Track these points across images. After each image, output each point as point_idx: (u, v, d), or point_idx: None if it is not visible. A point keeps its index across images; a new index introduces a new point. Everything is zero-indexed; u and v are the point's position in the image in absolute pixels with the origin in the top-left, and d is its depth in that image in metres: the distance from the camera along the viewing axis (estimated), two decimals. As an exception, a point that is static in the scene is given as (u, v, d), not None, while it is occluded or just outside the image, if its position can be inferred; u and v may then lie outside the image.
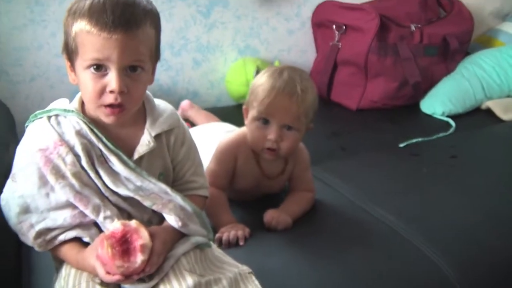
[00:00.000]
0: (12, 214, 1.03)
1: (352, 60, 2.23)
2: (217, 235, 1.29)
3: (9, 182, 1.04)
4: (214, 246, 1.15)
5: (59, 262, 1.07)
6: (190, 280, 0.99)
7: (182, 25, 2.25)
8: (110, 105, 0.99)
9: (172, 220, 1.04)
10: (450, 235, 1.34)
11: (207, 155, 1.44)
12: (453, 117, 2.16)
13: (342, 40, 2.27)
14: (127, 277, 0.96)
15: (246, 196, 1.49)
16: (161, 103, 1.13)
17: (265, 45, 2.42)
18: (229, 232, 1.29)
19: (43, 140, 1.02)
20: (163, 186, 1.05)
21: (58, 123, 1.04)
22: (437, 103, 2.21)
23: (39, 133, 1.03)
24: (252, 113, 1.37)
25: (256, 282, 1.04)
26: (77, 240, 1.04)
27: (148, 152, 1.06)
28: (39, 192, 1.01)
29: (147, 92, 1.10)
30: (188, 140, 1.14)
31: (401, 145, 1.89)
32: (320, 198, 1.49)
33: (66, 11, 1.00)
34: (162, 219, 1.08)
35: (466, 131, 2.03)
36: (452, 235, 1.34)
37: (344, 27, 2.26)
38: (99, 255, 0.96)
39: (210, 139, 1.61)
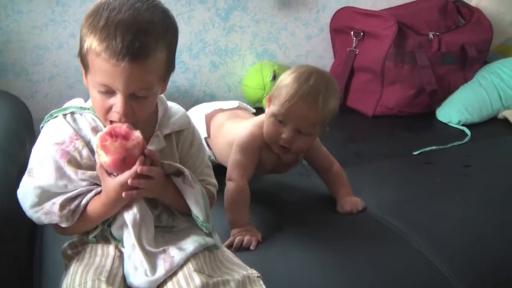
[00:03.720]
0: (29, 204, 1.03)
1: (369, 66, 2.23)
2: (230, 239, 1.31)
3: (25, 178, 1.05)
4: (224, 247, 1.16)
5: (69, 260, 1.08)
6: (198, 280, 0.99)
7: (201, 28, 2.26)
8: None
9: (177, 180, 1.07)
10: (458, 246, 1.33)
11: (199, 126, 1.51)
12: (469, 126, 2.15)
13: (360, 46, 2.27)
14: (129, 161, 0.97)
15: (259, 175, 1.54)
16: (173, 106, 1.16)
17: (283, 49, 2.43)
18: (243, 236, 1.31)
19: (59, 135, 1.04)
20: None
21: (74, 120, 1.06)
22: (453, 111, 2.20)
23: (55, 129, 1.05)
24: (272, 108, 1.40)
25: (264, 286, 1.05)
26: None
27: (158, 151, 1.07)
28: (56, 183, 1.02)
29: (161, 96, 1.12)
30: (197, 142, 1.16)
31: (415, 153, 1.88)
32: (330, 203, 1.51)
33: (84, 17, 0.99)
34: (172, 214, 1.10)
35: (482, 140, 2.02)
36: (461, 246, 1.34)
37: (362, 34, 2.26)
38: (100, 164, 0.99)
39: (193, 113, 1.67)
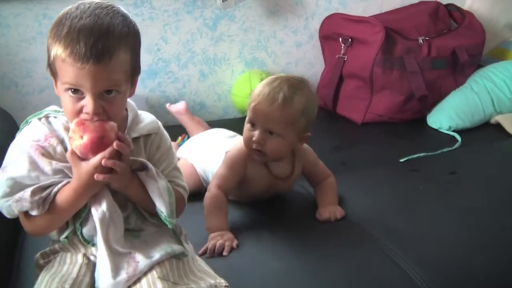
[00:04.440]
0: (0, 194, 1.04)
1: (358, 73, 2.22)
2: (205, 245, 1.33)
3: None
4: (195, 256, 1.17)
5: (40, 269, 1.09)
6: (161, 287, 1.01)
7: (189, 37, 2.27)
8: None
9: (141, 174, 1.08)
10: (431, 254, 1.32)
11: (215, 161, 1.56)
12: (460, 131, 2.12)
13: (348, 53, 2.26)
14: (106, 142, 0.99)
15: (258, 199, 1.55)
16: (143, 113, 1.18)
17: (272, 57, 2.42)
18: (216, 241, 1.33)
19: (34, 133, 1.06)
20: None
21: (49, 122, 1.08)
22: (444, 117, 2.17)
23: (30, 130, 1.07)
24: (247, 116, 1.46)
25: None
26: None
27: None
28: (28, 175, 1.03)
29: (132, 103, 1.15)
30: (164, 145, 1.17)
31: (401, 160, 1.86)
32: (309, 212, 1.51)
33: (49, 29, 1.02)
34: (141, 216, 1.12)
35: (472, 146, 2.00)
36: (433, 254, 1.32)
37: (350, 40, 2.25)
38: (72, 151, 1.01)
39: (216, 145, 1.69)
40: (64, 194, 1.03)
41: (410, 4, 2.48)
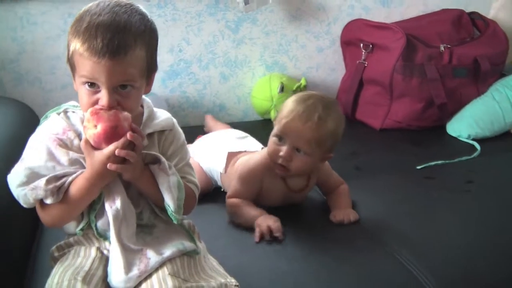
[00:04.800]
0: (17, 184, 1.07)
1: (378, 79, 2.21)
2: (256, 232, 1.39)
3: (16, 165, 1.09)
4: (208, 254, 1.19)
5: (55, 262, 1.12)
6: (170, 283, 1.03)
7: (211, 39, 2.29)
8: None
9: (154, 167, 1.10)
10: (447, 263, 1.31)
11: (219, 161, 1.62)
12: (480, 140, 2.11)
13: (369, 59, 2.26)
14: (120, 132, 1.01)
15: (271, 209, 1.52)
16: (159, 111, 1.20)
17: (293, 61, 2.43)
18: (264, 226, 1.39)
19: (52, 127, 1.09)
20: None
21: (67, 117, 1.11)
22: (464, 125, 2.16)
23: (48, 124, 1.11)
24: (274, 128, 1.46)
25: None
26: None
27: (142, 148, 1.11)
28: (45, 165, 1.06)
29: (148, 100, 1.18)
30: (177, 142, 1.19)
31: (419, 167, 1.86)
32: (322, 214, 1.52)
33: (70, 25, 1.06)
34: (154, 212, 1.14)
35: (491, 155, 1.98)
36: (450, 263, 1.31)
37: (371, 46, 2.25)
38: (86, 140, 1.03)
39: (223, 145, 1.70)
40: (78, 183, 1.06)
41: (433, 11, 2.47)
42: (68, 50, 1.05)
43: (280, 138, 1.44)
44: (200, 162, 1.68)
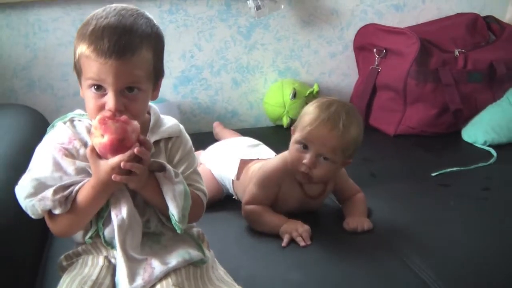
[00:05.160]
0: (25, 195, 1.05)
1: (391, 84, 2.19)
2: (285, 238, 1.38)
3: (24, 176, 1.08)
4: (216, 264, 1.17)
5: (63, 271, 1.11)
6: None
7: (222, 45, 2.28)
8: None
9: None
10: (462, 273, 1.28)
11: (230, 169, 1.60)
12: (496, 146, 2.07)
13: (382, 64, 2.24)
14: (126, 144, 0.99)
15: (286, 215, 1.51)
16: (166, 118, 1.19)
17: (306, 67, 2.41)
18: (292, 233, 1.39)
19: (58, 137, 1.08)
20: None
21: (73, 125, 1.10)
22: (479, 131, 2.13)
23: (54, 133, 1.10)
24: (295, 136, 1.45)
25: None
26: None
27: None
28: (52, 175, 1.05)
29: (154, 107, 1.16)
30: (185, 148, 1.17)
31: (433, 174, 1.83)
32: (336, 222, 1.50)
33: (77, 31, 1.06)
34: (160, 221, 1.12)
35: (508, 162, 1.94)
36: (466, 273, 1.28)
37: (384, 51, 2.23)
38: (92, 147, 1.01)
39: (236, 152, 1.69)
40: (84, 192, 1.05)
41: (447, 15, 2.45)
42: (75, 55, 1.06)
43: (304, 145, 1.43)
44: (212, 169, 1.67)
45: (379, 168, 1.90)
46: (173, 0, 2.16)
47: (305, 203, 1.52)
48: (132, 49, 1.01)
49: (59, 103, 2.17)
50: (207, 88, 2.32)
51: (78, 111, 1.13)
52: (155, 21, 1.09)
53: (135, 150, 1.00)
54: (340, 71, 2.45)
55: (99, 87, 1.02)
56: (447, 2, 2.48)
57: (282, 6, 2.23)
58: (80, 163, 1.06)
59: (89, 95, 1.04)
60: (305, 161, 1.42)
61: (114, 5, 1.06)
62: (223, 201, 1.64)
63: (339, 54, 2.44)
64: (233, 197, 1.64)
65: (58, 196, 1.04)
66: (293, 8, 2.32)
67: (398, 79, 2.15)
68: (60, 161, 1.05)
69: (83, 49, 1.02)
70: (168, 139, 1.15)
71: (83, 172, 1.06)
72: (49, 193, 1.03)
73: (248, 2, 2.19)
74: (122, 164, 1.00)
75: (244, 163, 1.62)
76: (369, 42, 2.30)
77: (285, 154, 1.51)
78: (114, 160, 1.00)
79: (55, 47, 2.11)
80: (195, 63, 2.27)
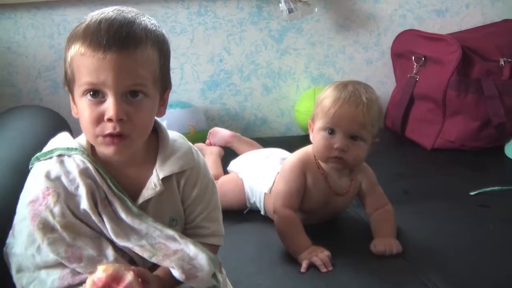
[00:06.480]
0: (12, 272, 0.98)
1: (430, 95, 2.08)
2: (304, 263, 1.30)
3: (10, 235, 1.00)
4: (228, 285, 1.08)
5: None
6: None
7: (253, 49, 2.23)
8: (109, 135, 0.91)
9: (175, 273, 0.96)
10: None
11: (263, 183, 1.54)
12: (542, 165, 1.94)
13: (421, 73, 2.13)
14: None
15: (312, 218, 1.48)
16: (177, 139, 1.04)
17: (340, 74, 2.33)
18: (312, 258, 1.31)
19: (33, 190, 0.96)
20: (171, 232, 0.98)
21: (62, 162, 0.97)
22: (524, 147, 2.00)
23: (32, 181, 0.98)
24: (318, 124, 1.41)
25: None
26: None
27: (156, 195, 0.99)
28: (25, 253, 0.96)
29: (163, 127, 1.03)
30: (202, 182, 1.04)
31: (472, 193, 1.71)
32: (362, 242, 1.41)
33: (66, 40, 0.94)
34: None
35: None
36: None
37: (423, 59, 2.12)
38: None
39: (268, 165, 1.61)
40: None
41: (492, 22, 2.33)
42: (65, 63, 0.92)
43: (330, 130, 1.38)
44: (244, 179, 1.60)
45: (413, 184, 1.80)
46: (202, 2, 2.10)
47: (330, 199, 1.47)
48: (136, 41, 0.88)
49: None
50: (236, 94, 2.25)
51: (65, 143, 0.99)
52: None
53: None
54: (376, 79, 2.35)
55: (95, 93, 0.88)
56: (493, 8, 2.36)
57: (316, 10, 2.15)
58: (52, 235, 0.93)
59: (83, 104, 0.89)
60: (336, 145, 1.37)
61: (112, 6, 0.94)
62: (245, 215, 1.57)
63: (375, 61, 2.35)
64: (261, 213, 1.56)
65: None
66: (328, 12, 2.24)
67: (437, 89, 2.04)
68: (34, 232, 0.94)
69: (77, 48, 0.88)
70: (180, 173, 1.01)
71: (59, 245, 0.94)
72: None
73: (280, 4, 2.11)
74: None
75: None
76: (408, 49, 2.19)
77: (305, 148, 1.48)
78: None
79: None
80: (224, 67, 2.21)
